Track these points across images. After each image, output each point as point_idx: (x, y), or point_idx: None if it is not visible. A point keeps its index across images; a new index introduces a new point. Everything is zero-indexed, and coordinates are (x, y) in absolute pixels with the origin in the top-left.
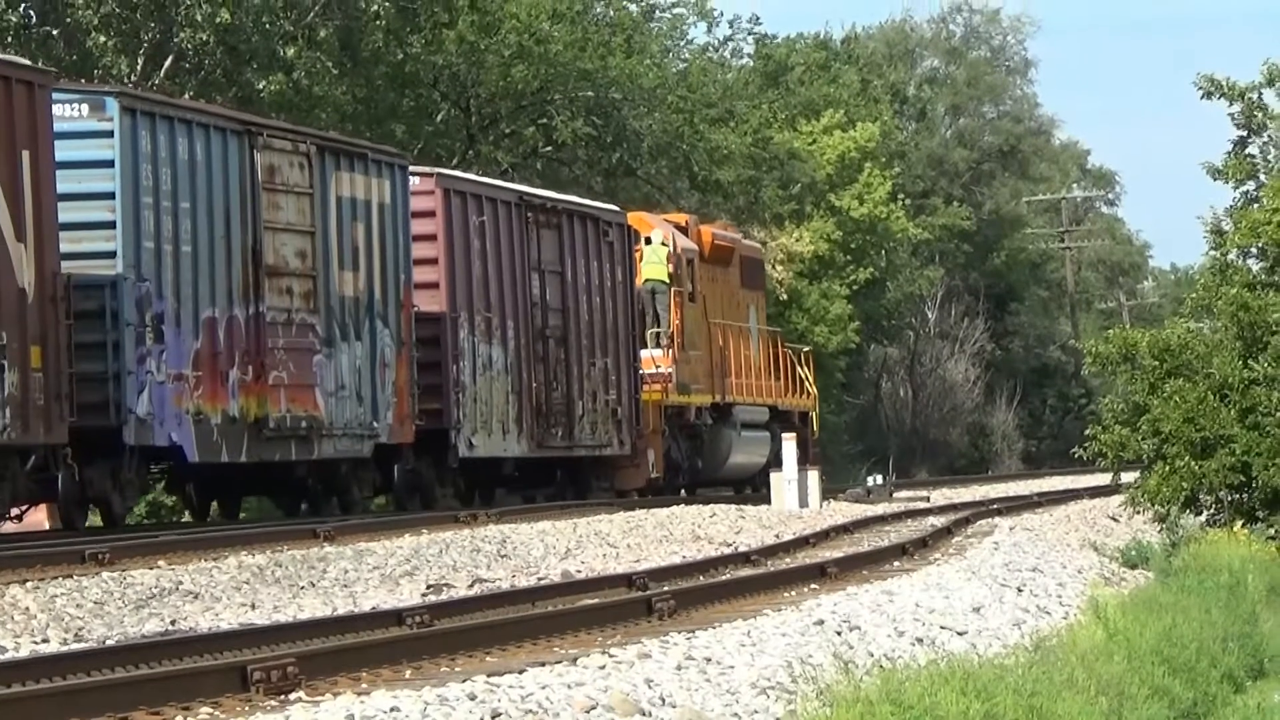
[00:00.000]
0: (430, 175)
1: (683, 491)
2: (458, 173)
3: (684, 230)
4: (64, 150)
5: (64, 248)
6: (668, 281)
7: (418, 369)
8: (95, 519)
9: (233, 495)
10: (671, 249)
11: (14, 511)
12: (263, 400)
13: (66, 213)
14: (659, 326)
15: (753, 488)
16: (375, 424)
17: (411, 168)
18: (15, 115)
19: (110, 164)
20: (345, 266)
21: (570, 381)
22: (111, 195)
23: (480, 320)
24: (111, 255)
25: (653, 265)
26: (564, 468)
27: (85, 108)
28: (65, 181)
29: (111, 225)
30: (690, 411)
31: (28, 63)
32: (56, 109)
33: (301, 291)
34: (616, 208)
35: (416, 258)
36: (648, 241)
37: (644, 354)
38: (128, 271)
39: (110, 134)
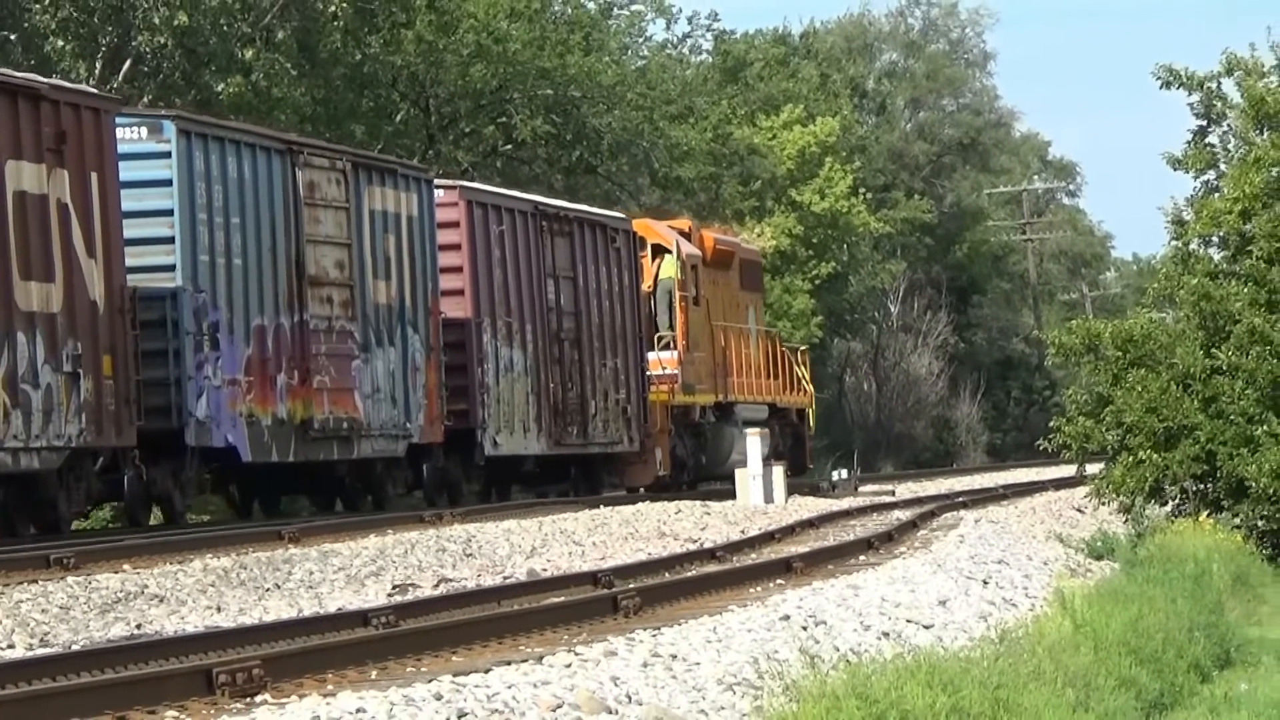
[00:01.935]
0: (454, 188)
1: (685, 487)
2: (479, 185)
3: (687, 236)
4: (126, 171)
5: (127, 262)
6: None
7: (445, 372)
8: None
9: (273, 494)
10: (677, 256)
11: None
12: (308, 403)
13: (129, 229)
14: (671, 327)
15: None
16: (408, 425)
17: (436, 181)
18: (84, 140)
19: (168, 183)
20: (379, 276)
21: (584, 382)
22: (170, 212)
23: (502, 325)
24: (171, 269)
25: (671, 265)
26: (577, 465)
27: (145, 130)
28: (127, 200)
29: (170, 240)
30: (695, 410)
31: (94, 91)
32: (119, 132)
33: (340, 300)
34: (624, 215)
35: (442, 266)
36: (667, 253)
37: (651, 356)
38: (186, 283)
39: (168, 155)
